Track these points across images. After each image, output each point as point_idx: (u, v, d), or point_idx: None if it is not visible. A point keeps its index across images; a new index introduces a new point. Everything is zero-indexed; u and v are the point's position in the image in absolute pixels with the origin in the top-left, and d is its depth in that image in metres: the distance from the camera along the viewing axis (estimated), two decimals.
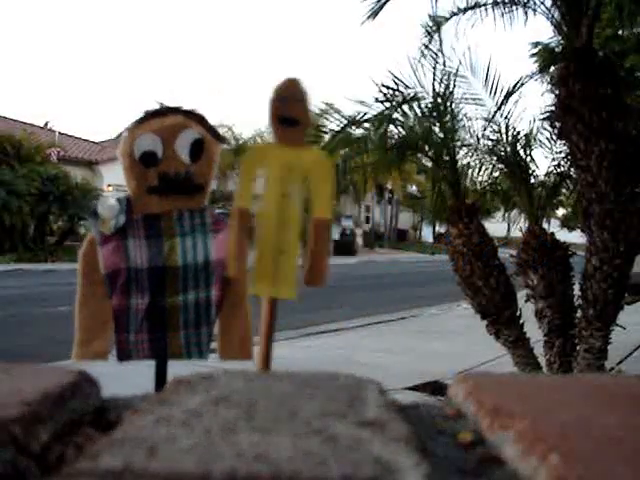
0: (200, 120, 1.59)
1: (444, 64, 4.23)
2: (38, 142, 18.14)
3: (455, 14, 4.18)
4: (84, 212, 16.45)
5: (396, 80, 4.13)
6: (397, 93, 4.13)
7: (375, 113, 4.11)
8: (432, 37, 4.22)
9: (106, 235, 1.51)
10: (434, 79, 4.20)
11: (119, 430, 0.35)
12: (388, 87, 4.10)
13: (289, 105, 0.75)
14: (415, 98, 4.18)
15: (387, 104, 4.11)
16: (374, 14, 4.09)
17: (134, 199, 1.54)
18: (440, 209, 4.87)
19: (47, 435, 0.36)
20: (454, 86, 4.27)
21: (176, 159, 1.51)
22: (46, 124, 23.98)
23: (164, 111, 1.59)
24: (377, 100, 4.05)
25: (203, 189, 1.57)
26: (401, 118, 4.24)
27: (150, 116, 1.57)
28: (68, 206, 16.15)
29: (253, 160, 0.78)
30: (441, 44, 4.22)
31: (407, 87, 4.17)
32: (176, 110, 1.58)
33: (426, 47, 4.22)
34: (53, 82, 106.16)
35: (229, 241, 0.76)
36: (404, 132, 4.28)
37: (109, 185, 22.25)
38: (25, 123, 22.15)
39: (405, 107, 4.22)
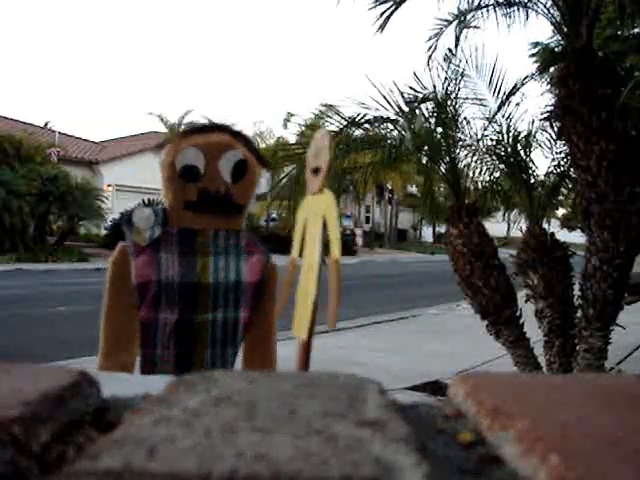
0: (246, 141, 1.56)
1: (448, 66, 4.25)
2: (38, 142, 18.15)
3: (464, 14, 4.20)
4: (84, 212, 16.46)
5: (416, 82, 4.17)
6: (417, 94, 4.16)
7: (375, 114, 4.13)
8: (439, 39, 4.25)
9: (139, 246, 1.49)
10: (431, 81, 4.24)
11: (119, 430, 0.35)
12: (414, 89, 4.14)
13: (318, 156, 0.81)
14: (427, 99, 4.21)
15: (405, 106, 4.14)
16: (382, 27, 4.12)
17: (170, 212, 1.52)
18: (432, 208, 4.91)
19: (47, 435, 0.36)
20: (458, 88, 4.29)
21: (218, 177, 1.48)
22: (46, 124, 24.01)
23: (211, 127, 1.56)
24: (407, 102, 4.09)
25: (241, 210, 1.55)
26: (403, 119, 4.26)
27: (196, 130, 1.55)
28: (68, 206, 16.15)
29: (300, 213, 0.86)
30: (457, 44, 4.24)
31: (424, 88, 4.20)
32: (223, 128, 1.56)
33: (434, 49, 4.25)
34: (54, 82, 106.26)
35: (280, 288, 0.81)
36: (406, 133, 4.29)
37: (109, 185, 22.30)
38: (25, 123, 22.18)
39: (406, 109, 4.24)
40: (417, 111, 4.20)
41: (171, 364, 1.49)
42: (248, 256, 1.54)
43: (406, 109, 4.15)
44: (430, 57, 4.30)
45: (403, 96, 4.14)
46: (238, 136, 1.55)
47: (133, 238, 1.49)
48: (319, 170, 0.77)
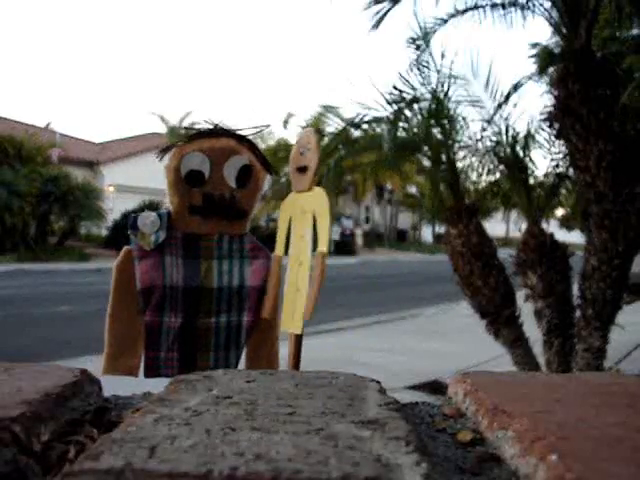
0: (251, 146, 1.60)
1: (440, 67, 4.25)
2: (39, 143, 18.14)
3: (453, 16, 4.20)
4: (85, 212, 16.47)
5: (404, 82, 4.16)
6: (404, 95, 4.16)
7: (374, 115, 4.13)
8: (428, 40, 4.24)
9: (144, 250, 1.52)
10: (425, 82, 4.23)
11: (120, 429, 0.35)
12: (399, 90, 4.13)
13: (304, 155, 0.86)
14: (417, 99, 4.20)
15: (393, 105, 4.13)
16: (377, 25, 4.11)
17: (175, 216, 1.55)
18: (439, 209, 4.89)
19: (48, 434, 0.36)
20: (448, 87, 4.29)
21: (222, 183, 1.49)
22: (47, 125, 24.00)
23: (217, 132, 1.60)
24: (388, 102, 4.07)
25: (245, 215, 1.59)
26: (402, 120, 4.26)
27: (202, 135, 1.58)
28: (69, 206, 16.16)
29: (284, 210, 0.91)
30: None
31: (413, 89, 4.19)
32: (229, 133, 1.59)
33: (421, 49, 4.24)
34: (55, 84, 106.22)
35: (269, 286, 0.82)
36: (404, 133, 4.30)
37: (110, 185, 22.31)
38: (26, 124, 22.17)
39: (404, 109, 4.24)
40: (409, 111, 4.20)
41: (174, 367, 1.53)
42: (252, 260, 1.58)
43: (406, 109, 4.15)
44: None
45: (402, 96, 4.14)
46: (243, 141, 1.59)
47: (138, 242, 1.52)
48: (306, 169, 0.80)
